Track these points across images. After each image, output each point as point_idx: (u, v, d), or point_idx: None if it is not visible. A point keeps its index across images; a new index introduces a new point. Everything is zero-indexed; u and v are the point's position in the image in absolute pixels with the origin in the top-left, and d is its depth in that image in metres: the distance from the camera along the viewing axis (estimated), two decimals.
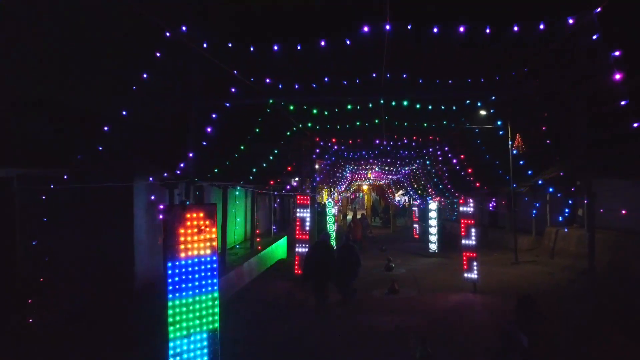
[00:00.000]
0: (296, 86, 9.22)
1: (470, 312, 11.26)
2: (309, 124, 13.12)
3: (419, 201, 29.01)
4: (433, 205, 22.31)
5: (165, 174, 9.08)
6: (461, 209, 13.60)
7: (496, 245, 22.03)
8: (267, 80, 9.12)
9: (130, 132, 8.50)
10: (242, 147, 10.01)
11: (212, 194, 14.46)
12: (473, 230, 13.33)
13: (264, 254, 16.72)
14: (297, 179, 23.80)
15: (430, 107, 11.31)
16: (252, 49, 7.83)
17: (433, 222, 22.13)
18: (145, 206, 10.27)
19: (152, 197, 9.84)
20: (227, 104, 9.35)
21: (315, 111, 11.14)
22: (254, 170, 12.05)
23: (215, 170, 10.20)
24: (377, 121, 12.17)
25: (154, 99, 8.33)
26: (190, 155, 8.78)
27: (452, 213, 30.38)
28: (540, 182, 15.90)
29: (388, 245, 24.99)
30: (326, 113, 11.28)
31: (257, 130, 10.31)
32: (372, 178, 38.87)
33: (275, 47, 7.74)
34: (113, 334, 8.58)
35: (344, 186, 35.49)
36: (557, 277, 14.38)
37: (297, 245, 14.84)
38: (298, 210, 14.71)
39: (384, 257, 19.54)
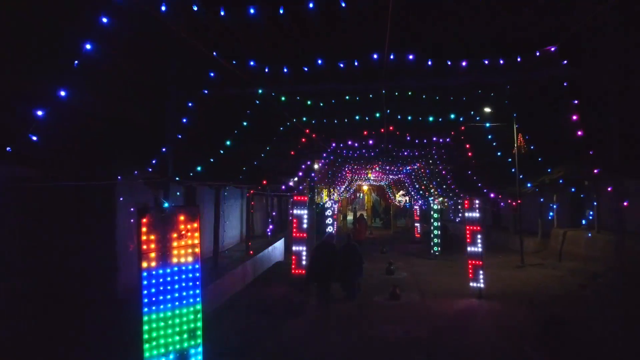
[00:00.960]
0: (285, 70, 8.25)
1: (477, 321, 10.58)
2: (304, 119, 12.20)
3: (420, 202, 28.31)
4: (435, 206, 21.65)
5: (145, 170, 8.28)
6: (467, 214, 12.87)
7: (500, 247, 21.37)
8: (251, 63, 8.12)
9: (106, 127, 7.68)
10: (227, 143, 9.05)
11: (205, 194, 13.77)
12: (479, 236, 12.63)
13: (260, 257, 16.05)
14: (295, 179, 23.13)
15: (437, 98, 10.34)
16: (222, 13, 6.64)
17: (435, 224, 21.46)
18: (129, 208, 9.58)
19: (122, 199, 9.04)
20: (205, 91, 8.35)
21: (309, 102, 10.24)
22: (244, 169, 11.25)
23: (199, 169, 9.21)
24: (378, 115, 11.30)
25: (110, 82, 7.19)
26: (163, 150, 7.87)
27: (456, 214, 29.76)
28: (560, 180, 15.12)
29: (388, 246, 24.42)
30: (322, 104, 10.37)
31: (245, 123, 9.42)
32: (372, 178, 38.19)
33: (252, 10, 6.59)
34: (89, 349, 7.85)
35: (344, 186, 34.80)
36: (567, 281, 13.71)
37: (293, 244, 14.19)
38: (295, 208, 14.06)
39: (385, 259, 19.08)
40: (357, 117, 11.69)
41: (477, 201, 12.73)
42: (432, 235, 21.49)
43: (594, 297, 11.77)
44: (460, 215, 27.72)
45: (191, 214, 5.99)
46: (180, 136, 7.98)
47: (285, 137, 12.80)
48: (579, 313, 10.56)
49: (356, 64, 7.87)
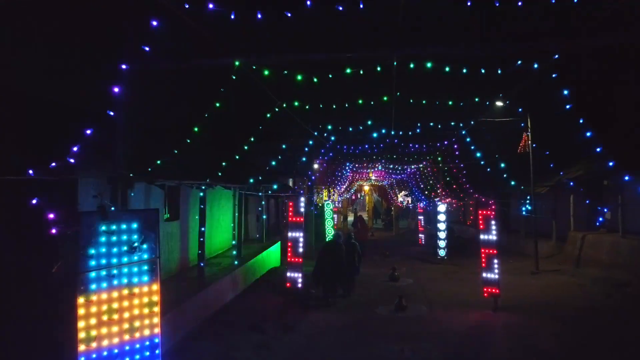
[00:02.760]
0: (259, 16, 6.62)
1: (496, 339, 9.28)
2: (296, 103, 10.60)
3: (424, 203, 27.00)
4: (442, 207, 20.36)
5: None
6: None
7: (511, 251, 20.01)
8: (210, 6, 6.42)
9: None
10: (195, 130, 7.41)
11: (190, 195, 12.45)
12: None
13: (252, 263, 14.75)
14: (292, 178, 21.87)
15: (463, 72, 8.63)
16: None
17: (442, 226, 20.18)
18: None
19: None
20: (146, 47, 6.63)
21: (299, 77, 8.66)
22: (231, 166, 9.80)
23: (158, 162, 7.49)
24: (385, 98, 9.79)
25: None
26: (89, 132, 6.18)
27: (466, 216, 28.41)
28: (571, 182, 13.81)
29: (391, 249, 23.19)
30: (315, 80, 8.83)
31: (218, 104, 7.91)
32: (374, 178, 36.93)
33: None
34: None
35: (344, 186, 33.53)
36: (589, 290, 12.40)
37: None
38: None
39: (388, 264, 17.88)
40: (360, 102, 10.02)
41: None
42: (437, 239, 20.25)
43: (623, 310, 10.46)
44: (471, 217, 26.38)
45: (148, 220, 4.70)
46: (112, 113, 6.30)
47: (276, 129, 11.31)
48: (613, 329, 9.28)
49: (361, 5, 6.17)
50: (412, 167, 23.50)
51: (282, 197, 17.33)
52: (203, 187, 10.94)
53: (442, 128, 13.68)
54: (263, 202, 18.01)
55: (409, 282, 15.02)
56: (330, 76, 8.34)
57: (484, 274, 11.29)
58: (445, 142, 16.27)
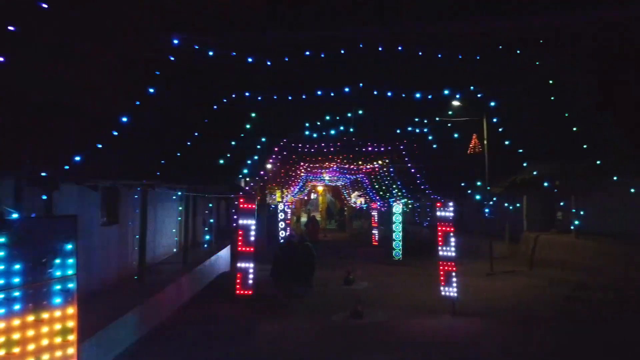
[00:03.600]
0: None
1: (459, 349, 8.79)
2: (247, 93, 9.50)
3: (379, 203, 26.71)
4: (397, 207, 20.05)
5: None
6: (439, 213, 11.21)
7: (465, 252, 19.91)
8: None
9: None
10: (124, 119, 6.29)
11: (131, 197, 11.35)
12: (452, 239, 11.01)
13: (200, 269, 13.82)
14: (244, 179, 20.93)
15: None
16: None
17: (397, 227, 19.87)
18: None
19: None
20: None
21: (250, 60, 7.57)
22: (172, 164, 8.81)
23: (76, 159, 6.26)
24: (347, 89, 8.95)
25: None
26: None
27: (423, 217, 28.32)
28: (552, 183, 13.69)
29: (345, 250, 22.74)
30: (269, 64, 7.79)
31: (152, 90, 6.83)
32: (327, 178, 36.44)
33: None
34: None
35: (298, 187, 32.85)
36: (548, 293, 12.26)
37: (239, 260, 12.03)
38: (240, 217, 11.84)
39: (342, 265, 17.30)
40: (319, 92, 9.11)
41: (450, 203, 11.09)
42: (393, 239, 19.93)
43: (586, 314, 10.30)
44: (428, 218, 26.35)
45: (63, 228, 3.82)
46: None
47: (226, 124, 10.34)
48: (580, 336, 9.03)
49: None
50: (369, 165, 23.06)
51: (232, 198, 16.43)
52: (139, 189, 9.93)
53: (406, 124, 13.16)
54: (210, 205, 17.04)
55: (364, 286, 14.54)
56: (286, 59, 7.50)
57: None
58: (405, 141, 15.87)
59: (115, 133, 5.93)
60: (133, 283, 10.33)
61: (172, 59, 6.51)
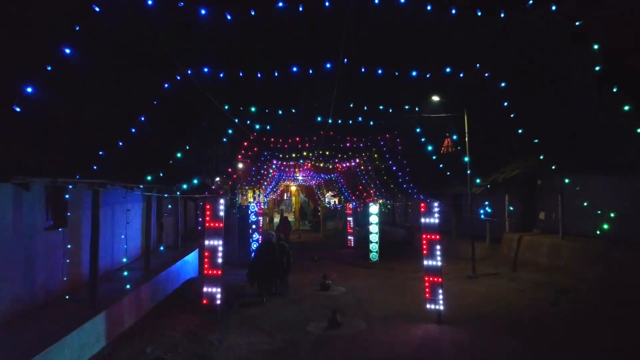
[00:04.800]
0: None
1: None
2: (205, 69, 8.32)
3: (354, 204, 25.89)
4: (374, 208, 19.24)
5: None
6: (423, 220, 10.46)
7: (445, 253, 19.28)
8: None
9: None
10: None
11: (83, 198, 10.14)
12: (438, 247, 10.33)
13: (164, 275, 12.70)
14: (217, 178, 19.82)
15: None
16: None
17: (374, 228, 19.06)
18: None
19: None
20: None
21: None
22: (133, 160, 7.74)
23: None
24: (329, 65, 7.91)
25: None
26: None
27: (402, 217, 27.61)
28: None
29: (320, 252, 21.86)
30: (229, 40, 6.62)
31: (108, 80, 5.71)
32: (301, 178, 35.49)
33: None
34: None
35: (270, 187, 31.79)
36: (533, 297, 11.60)
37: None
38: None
39: (317, 268, 16.75)
40: (294, 69, 7.86)
41: (436, 204, 10.34)
42: (369, 241, 19.12)
43: (574, 321, 9.65)
44: (404, 218, 25.69)
45: None
46: None
47: (188, 114, 9.23)
48: (570, 344, 8.37)
49: None
50: (346, 164, 22.19)
51: (198, 198, 15.33)
52: (69, 188, 8.71)
53: (390, 115, 12.33)
54: (170, 206, 15.84)
55: (341, 291, 13.70)
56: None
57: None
58: (387, 136, 15.06)
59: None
60: (84, 294, 9.13)
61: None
